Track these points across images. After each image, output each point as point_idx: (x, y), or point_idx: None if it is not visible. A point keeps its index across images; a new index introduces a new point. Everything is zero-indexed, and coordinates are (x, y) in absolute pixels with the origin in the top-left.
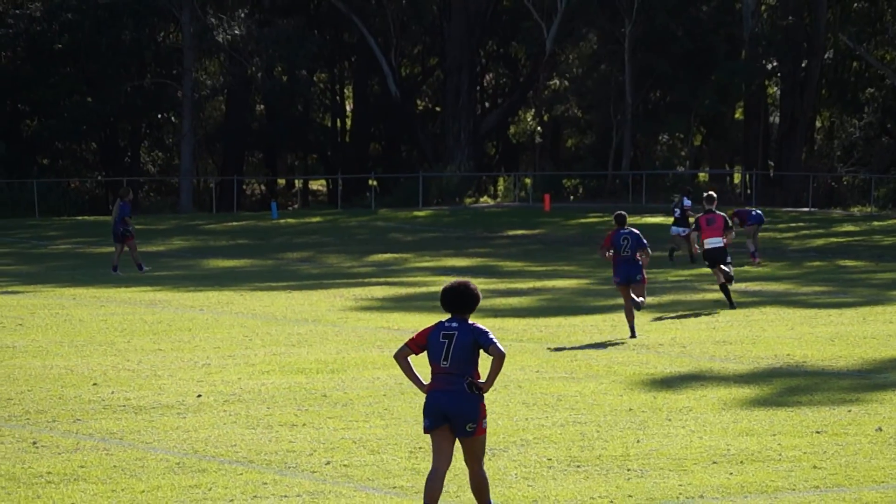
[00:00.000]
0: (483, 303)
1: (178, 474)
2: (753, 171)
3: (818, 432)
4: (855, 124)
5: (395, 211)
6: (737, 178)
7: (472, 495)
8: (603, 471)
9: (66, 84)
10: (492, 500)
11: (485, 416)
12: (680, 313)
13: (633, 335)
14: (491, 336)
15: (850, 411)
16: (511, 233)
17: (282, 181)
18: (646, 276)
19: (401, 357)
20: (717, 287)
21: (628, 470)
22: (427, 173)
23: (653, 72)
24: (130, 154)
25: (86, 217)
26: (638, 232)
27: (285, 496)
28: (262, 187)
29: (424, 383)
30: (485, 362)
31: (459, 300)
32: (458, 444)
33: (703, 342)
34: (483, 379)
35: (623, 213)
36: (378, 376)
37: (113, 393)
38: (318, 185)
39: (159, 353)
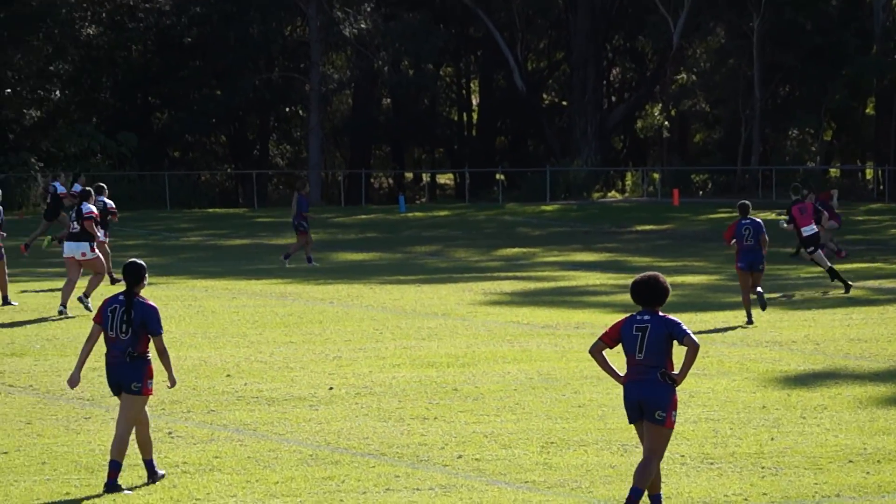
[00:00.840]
0: (611, 297)
1: (312, 466)
2: (886, 167)
3: None
4: None
5: (523, 205)
6: (869, 174)
7: (604, 490)
8: (737, 468)
9: (196, 77)
10: (661, 495)
11: (675, 409)
12: (813, 310)
13: (749, 321)
14: (684, 327)
15: None
16: (639, 228)
17: (409, 175)
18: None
19: (596, 351)
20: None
21: (762, 468)
22: (554, 167)
23: (781, 66)
24: (259, 147)
25: (216, 209)
26: (760, 221)
27: (417, 489)
28: (390, 181)
29: (621, 375)
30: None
31: (650, 293)
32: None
33: (837, 339)
34: (676, 371)
35: (746, 202)
36: (509, 371)
37: (246, 384)
38: (445, 178)
39: (291, 346)
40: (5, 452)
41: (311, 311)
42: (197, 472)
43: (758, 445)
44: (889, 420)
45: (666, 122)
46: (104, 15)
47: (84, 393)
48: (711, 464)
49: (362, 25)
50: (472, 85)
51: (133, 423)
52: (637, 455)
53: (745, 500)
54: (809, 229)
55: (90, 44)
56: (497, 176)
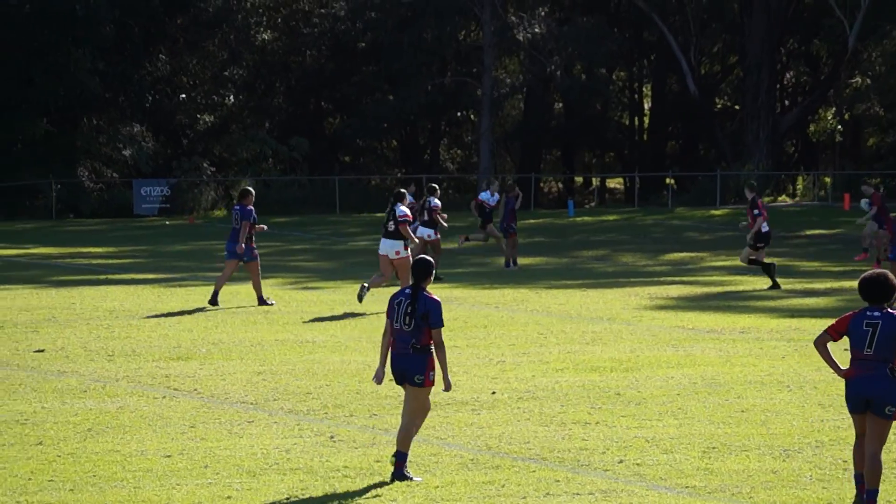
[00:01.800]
0: (777, 303)
1: (472, 470)
2: None
3: None
4: None
5: (692, 209)
6: None
7: (765, 495)
8: None
9: (368, 82)
10: (879, 489)
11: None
12: None
13: None
14: None
15: None
16: (809, 232)
17: (579, 179)
18: None
19: (820, 344)
20: None
21: None
22: (725, 172)
23: None
24: (430, 151)
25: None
26: None
27: (577, 494)
28: (559, 185)
29: (843, 369)
30: None
31: (878, 290)
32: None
33: None
34: None
35: None
36: (672, 375)
37: None
38: (615, 183)
39: (455, 350)
40: (168, 456)
41: (475, 315)
42: (357, 476)
43: None
44: None
45: (839, 126)
46: (279, 20)
47: (248, 397)
48: None
49: (536, 30)
50: (644, 89)
51: (418, 414)
52: (799, 461)
53: None
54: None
55: (265, 49)
56: (667, 180)
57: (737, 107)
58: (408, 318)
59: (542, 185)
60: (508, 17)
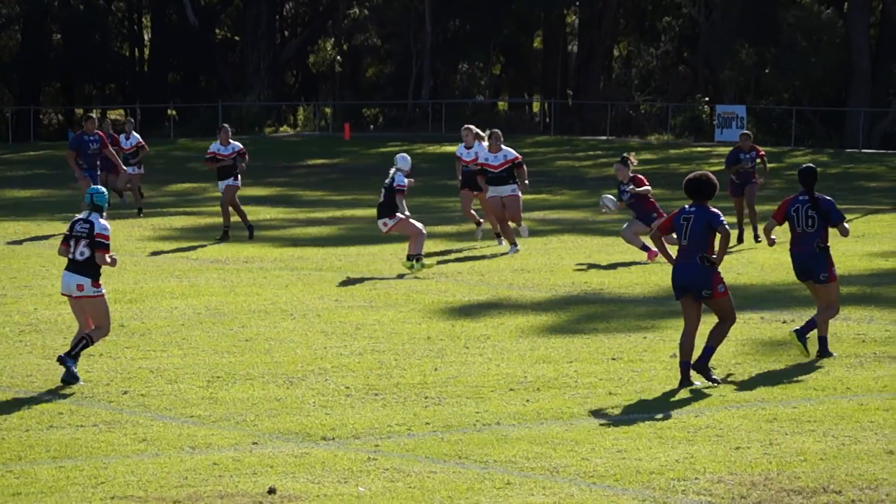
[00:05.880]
0: (282, 232)
1: None
2: (552, 100)
3: (614, 359)
4: (652, 53)
5: (195, 140)
6: (535, 107)
7: (269, 423)
8: (401, 398)
9: None
10: (710, 368)
11: (720, 283)
12: (476, 241)
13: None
14: (721, 219)
15: (645, 338)
16: (311, 162)
17: (80, 111)
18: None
19: (656, 238)
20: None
21: (426, 398)
22: (227, 103)
23: (452, 0)
24: None
25: None
26: None
27: (81, 426)
28: (60, 117)
29: (673, 258)
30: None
31: (700, 187)
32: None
33: (502, 270)
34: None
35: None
36: (176, 306)
37: None
38: (115, 114)
39: None
40: None
41: None
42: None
43: (422, 376)
44: (549, 349)
45: (338, 57)
46: None
47: None
48: (376, 395)
49: None
50: (143, 20)
51: (832, 307)
52: (303, 388)
53: (409, 429)
54: None
55: None
56: (169, 111)
57: (237, 38)
58: (810, 221)
59: (41, 116)
60: None
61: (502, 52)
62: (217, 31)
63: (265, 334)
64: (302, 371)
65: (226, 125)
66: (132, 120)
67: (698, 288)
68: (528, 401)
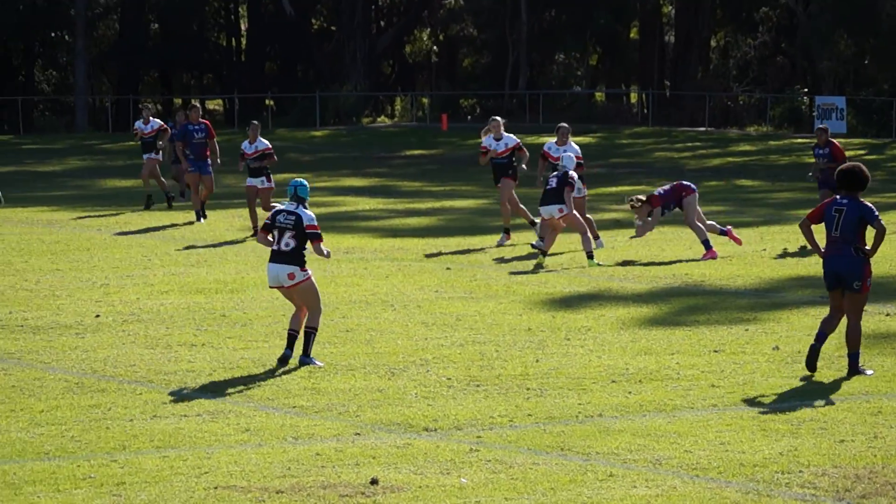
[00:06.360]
0: (380, 223)
1: (77, 394)
2: (650, 91)
3: (716, 351)
4: (750, 43)
5: (293, 131)
6: (633, 98)
7: (371, 414)
8: (502, 390)
9: None
10: (860, 353)
11: (869, 276)
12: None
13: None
14: (876, 213)
15: (747, 330)
16: (409, 153)
17: (178, 100)
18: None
19: (804, 226)
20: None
21: (527, 389)
22: (324, 93)
23: None
24: (25, 73)
25: None
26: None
27: (185, 416)
28: (159, 106)
29: (822, 249)
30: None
31: (851, 179)
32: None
33: (602, 261)
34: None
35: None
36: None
37: (11, 313)
38: (214, 104)
39: (57, 273)
40: None
41: (78, 238)
42: None
43: (523, 367)
44: (650, 341)
45: (434, 47)
46: None
47: None
48: (478, 386)
49: None
50: (240, 10)
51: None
52: (404, 379)
53: (511, 420)
54: None
55: None
56: (266, 102)
57: (333, 28)
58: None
59: (140, 106)
60: None
61: (598, 43)
62: (313, 21)
63: (366, 325)
64: (403, 362)
65: (255, 122)
66: (150, 106)
67: (851, 279)
68: (630, 393)
